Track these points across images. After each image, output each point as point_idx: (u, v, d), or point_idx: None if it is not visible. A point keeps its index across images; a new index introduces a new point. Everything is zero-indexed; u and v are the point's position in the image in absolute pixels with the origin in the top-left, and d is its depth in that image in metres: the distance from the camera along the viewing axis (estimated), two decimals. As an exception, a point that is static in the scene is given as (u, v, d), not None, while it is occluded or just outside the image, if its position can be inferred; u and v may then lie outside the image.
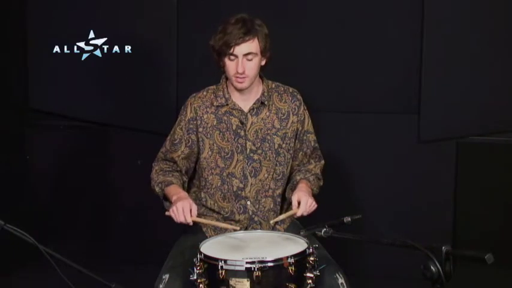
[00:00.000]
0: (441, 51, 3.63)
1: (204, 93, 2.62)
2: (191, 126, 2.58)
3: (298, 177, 2.63)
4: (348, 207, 3.71)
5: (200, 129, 2.57)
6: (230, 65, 2.47)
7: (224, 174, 2.57)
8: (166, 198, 2.55)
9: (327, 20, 3.76)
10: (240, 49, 2.43)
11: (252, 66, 2.46)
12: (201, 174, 2.62)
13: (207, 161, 2.57)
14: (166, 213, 2.41)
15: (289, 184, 2.66)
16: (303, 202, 2.40)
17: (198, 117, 2.57)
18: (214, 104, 2.58)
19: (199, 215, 2.48)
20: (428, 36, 3.62)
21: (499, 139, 3.71)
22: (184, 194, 2.47)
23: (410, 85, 3.70)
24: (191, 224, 2.38)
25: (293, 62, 3.70)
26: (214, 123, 2.57)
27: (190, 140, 2.59)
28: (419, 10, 3.63)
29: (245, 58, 2.44)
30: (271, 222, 2.50)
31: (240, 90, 2.54)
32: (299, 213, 2.40)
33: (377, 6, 3.72)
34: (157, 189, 2.56)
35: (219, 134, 2.56)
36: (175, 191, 2.48)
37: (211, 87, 2.63)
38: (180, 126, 2.60)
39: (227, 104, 2.57)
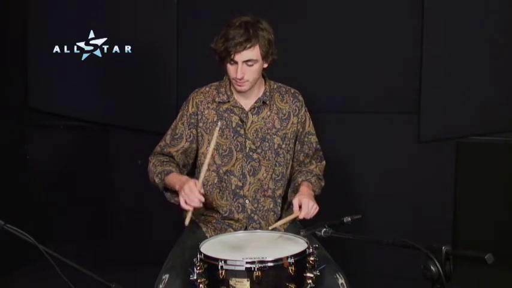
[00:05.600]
0: (441, 51, 3.62)
1: (207, 88, 2.63)
2: (192, 120, 2.58)
3: (299, 179, 2.61)
4: (348, 207, 3.71)
5: (200, 124, 2.57)
6: (231, 69, 2.47)
7: (221, 171, 2.57)
8: (166, 189, 2.53)
9: (327, 20, 3.76)
10: (240, 56, 2.42)
11: (252, 72, 2.46)
12: (199, 171, 2.61)
13: (205, 156, 2.56)
14: (178, 200, 2.34)
15: (291, 186, 2.65)
16: (305, 205, 2.38)
17: (199, 112, 2.58)
18: (216, 100, 2.58)
19: (198, 215, 2.46)
20: (428, 36, 3.62)
21: (499, 139, 3.70)
22: (185, 178, 2.42)
23: (410, 85, 3.70)
24: (203, 200, 2.32)
25: (293, 62, 3.69)
26: (215, 119, 2.57)
27: (191, 135, 2.59)
28: (419, 10, 3.62)
29: (245, 64, 2.44)
30: (270, 228, 2.45)
31: None
32: (301, 215, 2.38)
33: (377, 7, 3.71)
34: (157, 180, 2.53)
35: (218, 131, 2.56)
36: (177, 178, 2.44)
37: (215, 83, 2.65)
38: (182, 121, 2.60)
39: (228, 101, 2.58)
